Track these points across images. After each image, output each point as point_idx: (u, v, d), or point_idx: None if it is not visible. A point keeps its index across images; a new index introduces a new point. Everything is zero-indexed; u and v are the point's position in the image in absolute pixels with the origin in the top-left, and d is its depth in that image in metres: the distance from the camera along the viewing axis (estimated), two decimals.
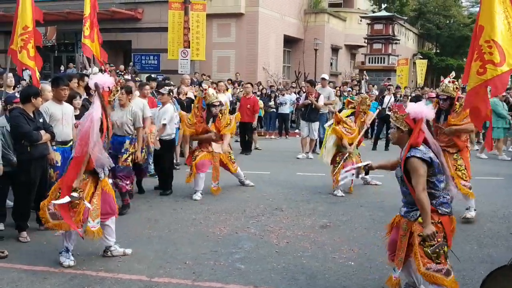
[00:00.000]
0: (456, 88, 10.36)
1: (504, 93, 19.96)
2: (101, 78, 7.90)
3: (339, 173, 12.45)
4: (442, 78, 17.64)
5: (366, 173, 7.17)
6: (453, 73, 10.92)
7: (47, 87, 10.42)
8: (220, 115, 12.15)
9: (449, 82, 10.55)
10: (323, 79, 20.78)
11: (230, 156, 12.40)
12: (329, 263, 7.80)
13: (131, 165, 10.83)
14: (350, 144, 12.40)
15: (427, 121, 6.18)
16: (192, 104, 16.45)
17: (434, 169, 5.94)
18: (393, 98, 24.57)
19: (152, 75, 18.88)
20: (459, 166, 10.15)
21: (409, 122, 6.03)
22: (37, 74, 11.16)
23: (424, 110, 6.08)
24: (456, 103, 10.19)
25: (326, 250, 8.38)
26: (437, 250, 5.87)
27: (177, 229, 9.46)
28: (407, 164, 5.92)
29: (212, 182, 12.24)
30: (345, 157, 12.33)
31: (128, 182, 10.66)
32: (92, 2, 14.35)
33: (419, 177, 5.80)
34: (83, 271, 7.40)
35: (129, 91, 10.86)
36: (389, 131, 6.20)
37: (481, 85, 8.59)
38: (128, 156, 10.79)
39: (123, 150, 10.72)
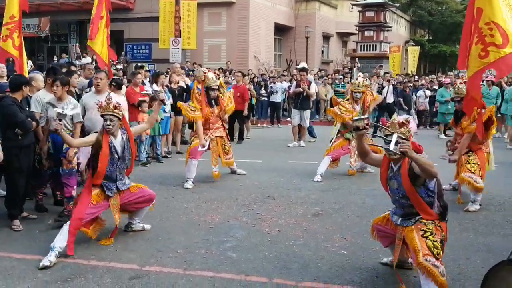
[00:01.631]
0: None
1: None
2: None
3: (331, 150, 12.57)
4: (455, 80, 17.80)
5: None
6: (465, 75, 10.94)
7: (38, 76, 10.39)
8: (221, 95, 12.21)
9: (460, 83, 10.59)
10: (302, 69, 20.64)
11: (224, 144, 12.35)
12: (322, 251, 7.76)
13: (76, 167, 9.48)
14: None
15: None
16: (184, 93, 16.52)
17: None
18: (391, 87, 24.63)
19: (139, 64, 18.78)
20: (470, 160, 10.15)
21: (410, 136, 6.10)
22: (25, 64, 11.07)
23: (413, 123, 6.31)
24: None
25: (318, 238, 8.34)
26: (438, 245, 5.91)
27: (168, 218, 9.42)
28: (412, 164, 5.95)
29: (212, 166, 12.21)
30: (340, 143, 12.57)
31: (74, 186, 9.40)
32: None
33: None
34: (74, 260, 7.35)
35: (64, 83, 9.56)
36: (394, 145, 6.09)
37: (484, 69, 8.55)
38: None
39: (64, 150, 9.32)
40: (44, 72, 11.09)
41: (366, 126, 6.45)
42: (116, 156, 7.88)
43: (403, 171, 6.11)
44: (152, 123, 9.47)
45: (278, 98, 25.53)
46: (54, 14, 37.88)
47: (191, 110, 11.89)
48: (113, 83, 12.06)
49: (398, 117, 6.23)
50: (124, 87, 13.80)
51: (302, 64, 22.72)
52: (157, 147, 15.22)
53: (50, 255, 7.18)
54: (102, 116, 7.89)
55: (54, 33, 41.05)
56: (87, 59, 31.41)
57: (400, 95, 24.89)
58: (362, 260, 7.42)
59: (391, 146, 5.91)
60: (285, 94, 26.35)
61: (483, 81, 19.78)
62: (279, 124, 25.69)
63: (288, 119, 24.32)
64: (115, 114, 7.82)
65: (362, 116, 6.63)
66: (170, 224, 9.03)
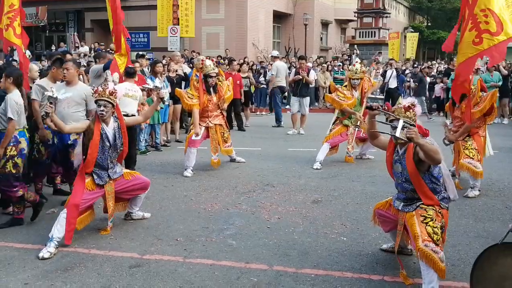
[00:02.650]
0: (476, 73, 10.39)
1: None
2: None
3: (330, 138, 12.57)
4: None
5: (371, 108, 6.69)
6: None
7: (34, 66, 10.37)
8: (220, 83, 12.18)
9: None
10: (274, 56, 20.61)
11: (223, 132, 12.32)
12: (321, 238, 7.76)
13: (12, 170, 8.24)
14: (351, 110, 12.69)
15: None
16: (183, 81, 16.48)
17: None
18: (395, 72, 24.58)
19: (140, 53, 18.71)
20: (468, 146, 10.16)
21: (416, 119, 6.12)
22: (25, 52, 11.04)
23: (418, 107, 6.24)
24: (472, 87, 10.10)
25: (318, 225, 8.35)
26: (438, 231, 5.88)
27: (168, 206, 9.42)
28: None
29: (212, 154, 12.20)
30: (339, 129, 12.58)
31: (15, 189, 8.29)
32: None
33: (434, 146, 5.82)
34: (75, 248, 7.36)
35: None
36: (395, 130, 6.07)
37: (477, 55, 8.54)
38: (6, 162, 8.22)
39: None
40: (50, 61, 11.07)
41: (380, 107, 6.47)
42: (108, 144, 7.78)
43: (408, 155, 6.10)
44: (147, 117, 9.48)
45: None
46: (51, 3, 37.83)
47: (189, 97, 11.86)
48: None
49: (403, 101, 6.22)
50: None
51: (275, 52, 22.83)
52: (156, 136, 15.22)
53: (49, 245, 7.17)
54: (96, 101, 7.78)
55: (52, 22, 41.03)
56: (84, 48, 31.43)
57: (417, 80, 24.80)
58: (362, 247, 7.43)
59: (397, 133, 5.90)
60: None
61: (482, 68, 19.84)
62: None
63: (287, 106, 24.30)
64: (109, 100, 7.74)
65: (377, 96, 6.63)
66: (170, 213, 9.03)
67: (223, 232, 8.03)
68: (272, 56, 20.75)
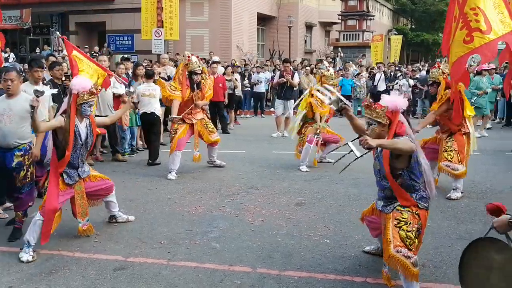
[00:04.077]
0: (442, 72, 10.51)
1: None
2: (79, 80, 7.83)
3: (302, 145, 12.59)
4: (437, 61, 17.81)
5: (339, 112, 6.81)
6: (443, 60, 11.12)
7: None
8: (203, 80, 12.18)
9: (433, 67, 10.80)
10: (214, 62, 20.52)
11: (206, 124, 12.36)
12: (305, 241, 7.81)
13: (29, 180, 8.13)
14: (321, 118, 12.55)
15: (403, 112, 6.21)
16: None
17: (414, 156, 5.98)
18: (383, 76, 24.68)
19: (125, 56, 18.77)
20: (447, 147, 10.25)
21: (389, 115, 6.04)
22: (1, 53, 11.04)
23: (399, 101, 6.13)
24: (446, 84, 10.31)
25: (301, 228, 8.40)
26: (412, 235, 5.83)
27: (152, 209, 9.44)
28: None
29: (194, 150, 12.26)
30: (311, 129, 12.51)
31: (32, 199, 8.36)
32: None
33: (409, 142, 5.83)
34: (59, 251, 7.38)
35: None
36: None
37: (469, 54, 8.60)
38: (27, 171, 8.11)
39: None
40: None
41: (344, 105, 6.50)
42: (80, 142, 7.63)
43: (384, 152, 6.08)
44: (114, 121, 9.43)
45: (261, 88, 25.52)
46: (36, 6, 37.75)
47: (171, 89, 11.88)
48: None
49: (367, 98, 6.25)
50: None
51: (214, 58, 22.93)
52: (133, 139, 15.16)
53: (28, 251, 7.15)
54: (87, 102, 7.58)
55: (36, 25, 40.92)
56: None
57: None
58: (345, 249, 7.47)
59: (357, 154, 5.96)
60: (269, 84, 26.37)
61: (486, 70, 19.83)
62: (262, 115, 25.71)
63: (272, 109, 24.35)
64: (94, 100, 7.84)
65: (333, 99, 6.68)
66: (154, 215, 9.05)
67: (207, 235, 8.06)
68: (213, 61, 20.57)
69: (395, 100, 6.13)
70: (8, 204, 9.20)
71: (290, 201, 9.92)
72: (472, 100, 19.10)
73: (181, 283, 6.38)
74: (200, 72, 11.97)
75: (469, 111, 10.42)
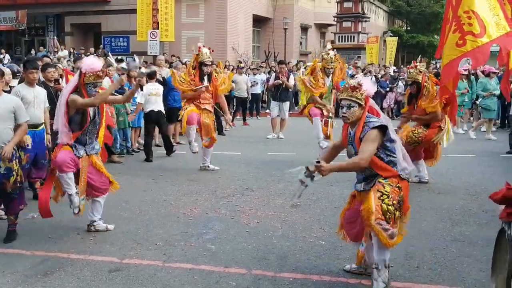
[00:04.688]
0: (420, 72, 10.64)
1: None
2: (90, 61, 8.01)
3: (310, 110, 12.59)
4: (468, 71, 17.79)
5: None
6: (419, 58, 11.26)
7: (6, 70, 10.34)
8: (216, 74, 12.25)
9: (410, 67, 10.96)
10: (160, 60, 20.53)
11: (214, 120, 12.46)
12: (300, 242, 7.82)
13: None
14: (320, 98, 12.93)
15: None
16: (161, 85, 16.50)
17: (388, 135, 6.00)
18: (374, 78, 24.75)
19: (118, 57, 18.75)
20: (416, 133, 10.88)
21: (366, 99, 6.10)
22: None
23: (373, 87, 6.35)
24: (425, 84, 10.50)
25: (296, 229, 8.40)
26: (392, 209, 5.85)
27: (147, 211, 9.44)
28: (366, 135, 5.94)
29: (203, 137, 12.32)
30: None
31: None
32: None
33: (367, 151, 5.82)
34: (54, 253, 7.36)
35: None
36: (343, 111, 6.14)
37: (461, 57, 8.61)
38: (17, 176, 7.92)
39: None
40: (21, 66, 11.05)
41: (317, 173, 6.37)
42: (88, 119, 7.84)
43: (356, 136, 6.08)
44: (129, 99, 9.55)
45: (257, 90, 25.50)
46: (31, 7, 37.71)
47: (181, 80, 12.01)
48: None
49: (351, 81, 6.27)
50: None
51: (160, 56, 22.96)
52: (127, 140, 15.18)
53: (100, 223, 8.02)
54: (93, 83, 7.80)
55: (31, 26, 40.90)
56: (64, 52, 31.36)
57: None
58: (340, 251, 7.47)
59: (308, 182, 6.24)
60: (264, 86, 26.35)
61: (488, 73, 19.78)
62: (258, 116, 25.70)
63: (267, 111, 24.35)
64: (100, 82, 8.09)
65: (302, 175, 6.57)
66: (149, 217, 9.05)
67: (202, 236, 8.06)
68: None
69: (371, 85, 6.29)
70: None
71: (285, 203, 9.91)
72: (478, 102, 19.15)
73: (177, 284, 6.37)
74: (210, 63, 12.02)
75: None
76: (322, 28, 52.06)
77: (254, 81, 25.34)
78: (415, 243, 7.65)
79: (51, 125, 9.00)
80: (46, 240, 7.57)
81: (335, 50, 14.00)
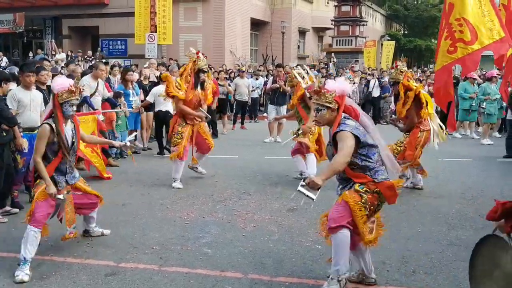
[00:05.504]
0: (401, 72, 10.62)
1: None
2: (59, 81, 7.46)
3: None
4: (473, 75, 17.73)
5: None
6: (401, 59, 11.34)
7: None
8: (207, 81, 11.92)
9: (392, 68, 11.03)
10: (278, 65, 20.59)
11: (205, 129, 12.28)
12: (296, 246, 7.83)
13: None
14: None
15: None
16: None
17: (363, 143, 5.97)
18: (377, 82, 24.77)
19: (112, 61, 18.83)
20: (399, 142, 10.88)
21: (337, 100, 6.06)
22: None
23: (345, 86, 6.24)
24: (403, 86, 10.53)
25: (293, 233, 8.42)
26: (365, 216, 6.04)
27: (144, 214, 9.43)
28: (336, 137, 5.95)
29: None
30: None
31: None
32: None
33: (346, 147, 5.83)
34: (50, 257, 7.37)
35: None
36: (317, 114, 6.16)
37: (451, 64, 8.66)
38: None
39: None
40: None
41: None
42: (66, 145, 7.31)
43: (331, 136, 6.14)
44: (90, 142, 9.24)
45: (255, 93, 25.47)
46: (29, 10, 37.72)
47: (176, 87, 11.29)
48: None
49: (315, 85, 6.28)
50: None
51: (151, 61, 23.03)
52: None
53: (24, 268, 6.77)
54: (67, 101, 7.19)
55: (29, 29, 40.91)
56: (61, 55, 31.34)
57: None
58: None
59: (313, 196, 6.24)
60: (262, 89, 26.35)
61: (490, 78, 19.74)
62: (256, 119, 25.70)
63: (265, 114, 24.35)
64: (78, 98, 7.47)
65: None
66: (146, 221, 9.05)
67: (198, 240, 8.07)
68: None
69: (342, 85, 6.21)
70: (7, 208, 9.21)
71: (282, 207, 9.93)
72: (483, 106, 19.09)
73: None
74: (206, 70, 11.73)
75: (430, 109, 10.61)
76: (319, 31, 52.09)
77: (254, 86, 25.25)
78: (411, 247, 7.67)
79: None
80: (42, 243, 7.54)
81: (298, 66, 13.73)
